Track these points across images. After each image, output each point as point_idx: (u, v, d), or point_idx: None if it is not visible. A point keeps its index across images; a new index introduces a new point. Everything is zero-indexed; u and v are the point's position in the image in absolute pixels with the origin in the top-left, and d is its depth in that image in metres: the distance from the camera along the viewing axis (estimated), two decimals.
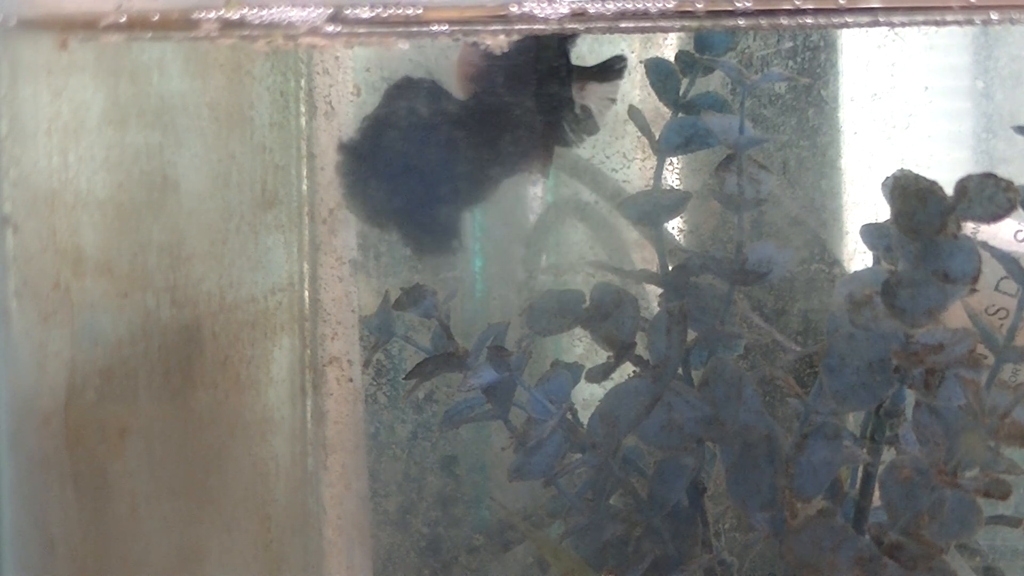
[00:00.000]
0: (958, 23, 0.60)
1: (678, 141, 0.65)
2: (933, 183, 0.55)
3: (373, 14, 0.58)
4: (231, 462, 0.71)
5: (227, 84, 0.70)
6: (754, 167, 0.63)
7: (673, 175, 0.69)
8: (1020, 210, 0.56)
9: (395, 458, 0.72)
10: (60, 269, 0.66)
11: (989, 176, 0.55)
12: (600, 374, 0.62)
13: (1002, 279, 0.64)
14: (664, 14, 0.58)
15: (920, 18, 0.60)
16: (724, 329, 0.64)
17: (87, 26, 0.62)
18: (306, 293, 0.73)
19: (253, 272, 0.71)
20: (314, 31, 0.59)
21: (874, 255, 0.61)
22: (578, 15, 0.58)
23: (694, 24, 0.61)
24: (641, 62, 0.65)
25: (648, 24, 0.59)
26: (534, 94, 0.65)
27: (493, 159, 0.65)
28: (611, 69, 0.66)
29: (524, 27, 0.59)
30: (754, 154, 0.64)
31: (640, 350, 0.62)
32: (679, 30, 0.66)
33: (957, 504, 0.57)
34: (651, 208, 0.65)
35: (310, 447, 0.73)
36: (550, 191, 0.70)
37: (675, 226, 0.69)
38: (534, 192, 0.70)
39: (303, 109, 0.71)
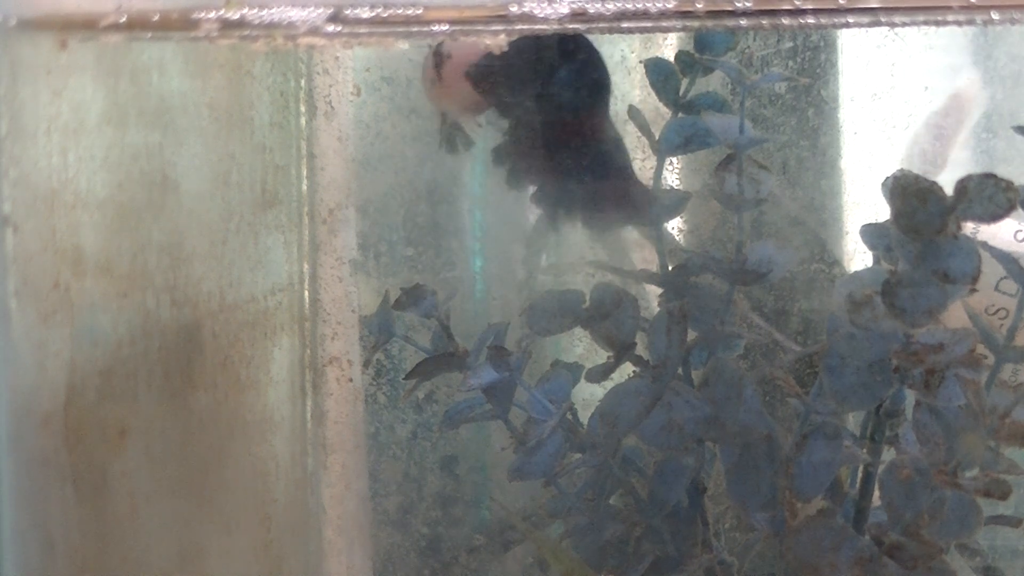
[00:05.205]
0: (958, 23, 0.60)
1: (678, 141, 0.65)
2: (933, 183, 0.55)
3: (373, 14, 0.58)
4: (231, 462, 0.71)
5: (227, 84, 0.70)
6: (754, 167, 0.63)
7: (673, 175, 0.69)
8: (1020, 210, 0.56)
9: (395, 458, 0.72)
10: (60, 269, 0.66)
11: (989, 176, 0.55)
12: (600, 374, 0.62)
13: (1002, 279, 0.64)
14: (664, 14, 0.58)
15: (920, 18, 0.60)
16: (724, 329, 0.64)
17: (87, 26, 0.62)
18: (306, 293, 0.73)
19: (253, 272, 0.71)
20: (314, 31, 0.59)
21: (874, 255, 0.61)
22: (578, 15, 0.58)
23: (694, 24, 0.61)
24: (641, 62, 0.65)
25: (648, 24, 0.59)
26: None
27: None
28: None
29: (524, 27, 0.59)
30: (754, 154, 0.64)
31: (640, 350, 0.62)
32: (679, 30, 0.66)
33: (957, 504, 0.57)
34: (651, 208, 0.65)
35: (310, 447, 0.73)
36: None
37: (675, 226, 0.69)
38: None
39: (303, 109, 0.71)
